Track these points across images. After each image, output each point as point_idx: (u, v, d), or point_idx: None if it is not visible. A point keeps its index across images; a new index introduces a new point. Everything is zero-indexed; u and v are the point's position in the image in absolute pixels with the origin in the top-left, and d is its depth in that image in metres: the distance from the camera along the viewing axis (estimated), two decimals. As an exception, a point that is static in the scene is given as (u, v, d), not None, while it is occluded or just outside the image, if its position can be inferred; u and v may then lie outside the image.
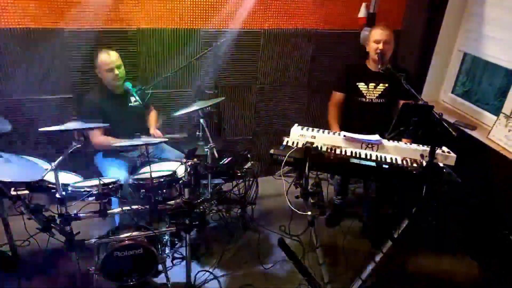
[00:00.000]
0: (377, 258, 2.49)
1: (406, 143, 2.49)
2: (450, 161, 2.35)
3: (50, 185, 2.27)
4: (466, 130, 3.20)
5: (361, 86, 3.05)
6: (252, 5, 3.34)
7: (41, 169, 2.24)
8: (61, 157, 2.11)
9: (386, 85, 3.01)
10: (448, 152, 2.38)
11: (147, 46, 3.23)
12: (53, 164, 2.09)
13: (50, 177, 2.20)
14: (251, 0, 3.32)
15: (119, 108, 2.98)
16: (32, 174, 2.18)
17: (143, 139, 2.49)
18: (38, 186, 2.26)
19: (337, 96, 3.17)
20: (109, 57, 2.84)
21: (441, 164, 2.32)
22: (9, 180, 2.10)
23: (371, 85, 3.04)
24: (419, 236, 3.32)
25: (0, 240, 2.77)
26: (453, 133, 2.15)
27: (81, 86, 3.17)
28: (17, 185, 2.20)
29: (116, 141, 2.84)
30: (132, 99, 3.02)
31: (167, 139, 2.89)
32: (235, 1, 3.28)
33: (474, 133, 3.17)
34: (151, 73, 3.33)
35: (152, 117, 3.28)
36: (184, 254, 2.71)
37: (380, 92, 3.02)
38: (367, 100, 3.05)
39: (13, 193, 2.17)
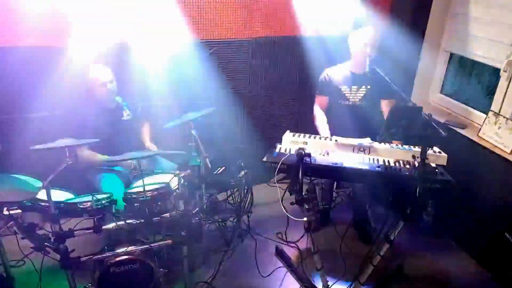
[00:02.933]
0: (375, 261, 2.50)
1: (396, 145, 2.50)
2: (441, 161, 2.37)
3: (42, 203, 2.25)
4: (457, 129, 3.23)
5: (344, 89, 3.05)
6: (239, 14, 3.37)
7: (32, 187, 2.22)
8: (52, 175, 2.09)
9: (369, 87, 3.01)
10: (439, 152, 2.40)
11: (137, 58, 3.22)
12: (45, 182, 2.07)
13: (42, 195, 2.18)
14: (238, 9, 3.34)
15: (111, 123, 2.95)
16: (24, 193, 2.16)
17: (129, 154, 2.49)
18: (31, 205, 2.24)
19: (320, 99, 3.18)
20: (101, 72, 2.83)
21: (433, 164, 2.33)
22: (1, 200, 2.08)
23: (354, 87, 3.04)
24: (416, 236, 3.35)
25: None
26: (443, 133, 2.16)
27: (71, 102, 3.14)
28: (9, 204, 2.18)
29: (102, 157, 2.83)
30: (125, 113, 3.01)
31: (158, 153, 2.88)
32: (222, 12, 3.30)
33: (464, 132, 3.20)
34: (142, 86, 3.32)
35: (146, 130, 3.27)
36: (182, 267, 2.70)
37: (362, 94, 3.03)
38: (350, 103, 3.05)
39: (5, 212, 2.16)
